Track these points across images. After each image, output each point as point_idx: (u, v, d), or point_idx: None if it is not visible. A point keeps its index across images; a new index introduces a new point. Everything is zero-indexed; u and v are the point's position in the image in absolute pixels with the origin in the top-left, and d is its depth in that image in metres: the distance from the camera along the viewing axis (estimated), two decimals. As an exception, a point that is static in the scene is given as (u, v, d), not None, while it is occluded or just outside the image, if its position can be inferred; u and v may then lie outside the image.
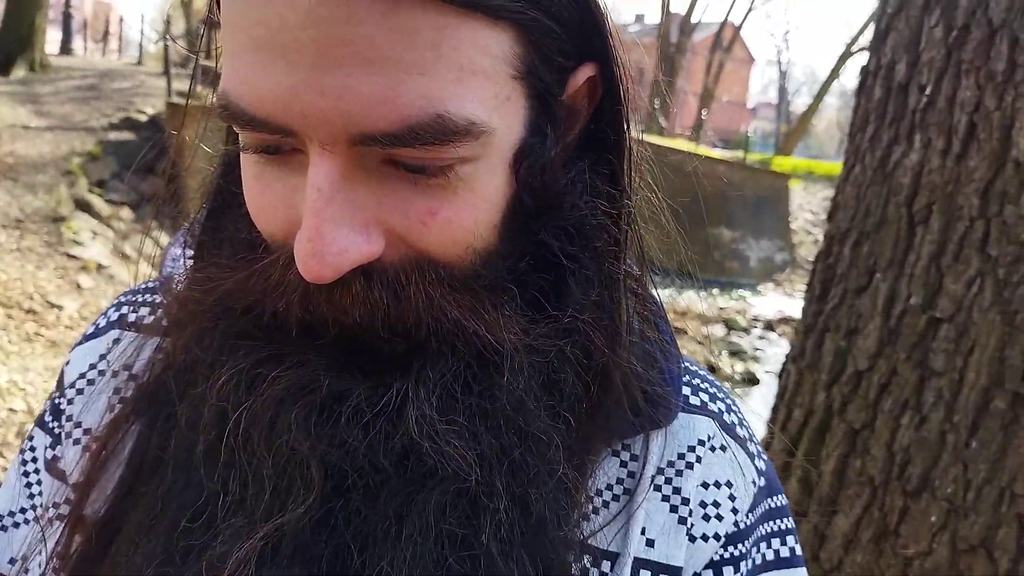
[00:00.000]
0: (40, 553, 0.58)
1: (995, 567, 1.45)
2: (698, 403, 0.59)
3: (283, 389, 0.45)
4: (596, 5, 0.46)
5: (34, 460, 0.62)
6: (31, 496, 0.62)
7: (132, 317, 0.62)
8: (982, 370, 1.49)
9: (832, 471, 1.70)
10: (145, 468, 0.53)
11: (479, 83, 0.41)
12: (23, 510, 0.62)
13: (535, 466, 0.47)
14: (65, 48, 15.76)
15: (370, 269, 0.44)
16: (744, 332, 13.17)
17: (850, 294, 1.73)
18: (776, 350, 12.28)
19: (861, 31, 25.54)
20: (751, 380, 10.67)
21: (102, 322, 0.64)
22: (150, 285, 0.65)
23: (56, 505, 0.58)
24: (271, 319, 0.46)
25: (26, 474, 0.62)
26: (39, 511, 0.61)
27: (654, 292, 0.59)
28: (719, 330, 13.03)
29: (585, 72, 0.48)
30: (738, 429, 0.60)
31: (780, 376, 2.00)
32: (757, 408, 9.04)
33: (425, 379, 0.45)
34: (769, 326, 13.68)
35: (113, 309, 0.64)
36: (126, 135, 10.98)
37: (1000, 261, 1.48)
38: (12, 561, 0.62)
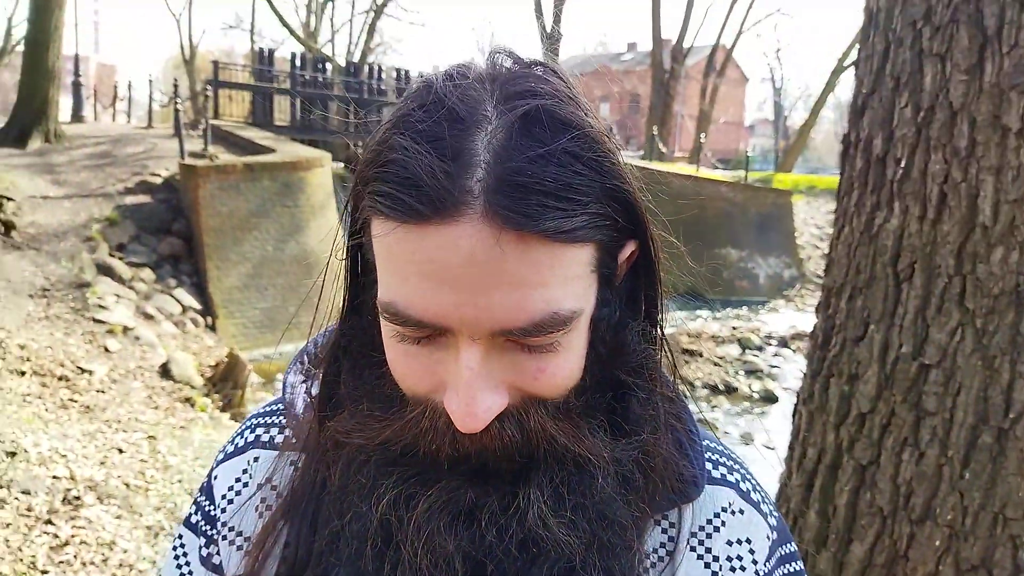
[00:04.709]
0: None
1: (994, 584, 1.64)
2: (718, 476, 0.73)
3: (433, 503, 0.59)
4: (640, 208, 0.62)
5: (185, 555, 0.76)
6: None
7: (265, 437, 0.75)
8: (969, 409, 1.69)
9: (846, 504, 1.89)
10: (299, 565, 0.66)
11: (575, 284, 0.57)
12: None
13: (617, 544, 0.62)
14: (76, 115, 16.13)
15: (501, 414, 0.58)
16: (759, 350, 13.24)
17: (849, 343, 1.93)
18: (792, 366, 12.31)
19: (851, 46, 25.83)
20: (769, 398, 10.70)
21: (240, 441, 0.76)
22: (273, 408, 0.78)
23: None
24: (423, 455, 0.60)
25: (179, 566, 0.76)
26: None
27: (678, 392, 0.74)
28: (734, 349, 13.10)
29: (629, 248, 0.64)
30: (752, 494, 0.74)
31: (793, 417, 2.19)
32: (776, 426, 9.03)
33: (541, 485, 0.60)
34: (783, 342, 13.75)
35: (248, 430, 0.77)
36: (142, 198, 11.29)
37: (977, 313, 1.68)
38: None
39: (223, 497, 0.74)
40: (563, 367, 0.59)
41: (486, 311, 0.54)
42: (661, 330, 0.70)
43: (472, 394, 0.55)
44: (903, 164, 1.79)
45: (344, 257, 0.68)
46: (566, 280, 0.56)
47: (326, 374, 0.69)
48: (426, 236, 0.53)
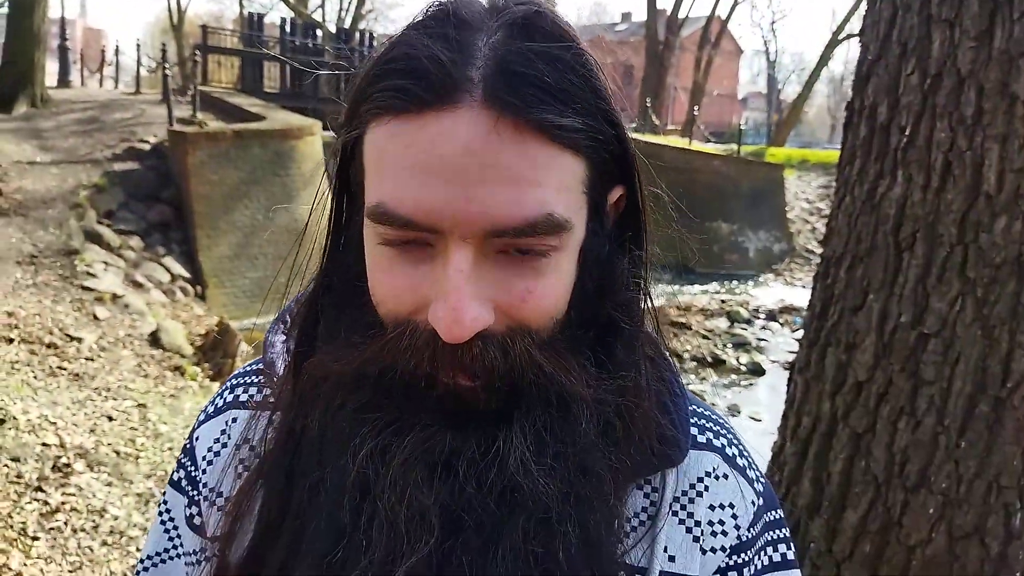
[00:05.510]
0: None
1: (986, 551, 1.65)
2: (704, 440, 0.71)
3: (409, 455, 0.57)
4: (630, 144, 0.62)
5: (169, 512, 0.77)
6: (170, 539, 0.77)
7: (244, 397, 0.75)
8: (967, 378, 1.69)
9: (840, 471, 1.90)
10: (274, 521, 0.65)
11: (568, 194, 0.56)
12: (166, 550, 0.77)
13: (595, 497, 0.60)
14: (63, 80, 15.89)
15: (485, 334, 0.56)
16: (747, 323, 13.29)
17: (847, 312, 1.93)
18: (780, 339, 12.39)
19: (847, 19, 25.67)
20: (757, 371, 10.76)
21: (219, 402, 0.76)
22: (255, 367, 0.77)
23: (195, 552, 0.73)
24: (399, 382, 0.58)
25: (164, 523, 0.77)
26: (180, 551, 0.76)
27: (664, 350, 0.72)
28: (722, 323, 13.14)
29: (617, 191, 0.63)
30: (738, 459, 0.72)
31: (788, 386, 2.19)
32: (764, 398, 9.11)
33: (522, 428, 0.57)
34: (772, 316, 13.80)
35: (228, 391, 0.77)
36: (131, 165, 11.13)
37: (978, 282, 1.68)
38: None
39: (203, 459, 0.74)
40: (551, 290, 0.58)
41: (479, 206, 0.53)
42: (645, 282, 0.68)
43: (460, 298, 0.54)
44: (908, 132, 1.78)
45: (330, 188, 0.67)
46: (560, 187, 0.56)
47: (305, 318, 0.68)
48: (424, 126, 0.54)
